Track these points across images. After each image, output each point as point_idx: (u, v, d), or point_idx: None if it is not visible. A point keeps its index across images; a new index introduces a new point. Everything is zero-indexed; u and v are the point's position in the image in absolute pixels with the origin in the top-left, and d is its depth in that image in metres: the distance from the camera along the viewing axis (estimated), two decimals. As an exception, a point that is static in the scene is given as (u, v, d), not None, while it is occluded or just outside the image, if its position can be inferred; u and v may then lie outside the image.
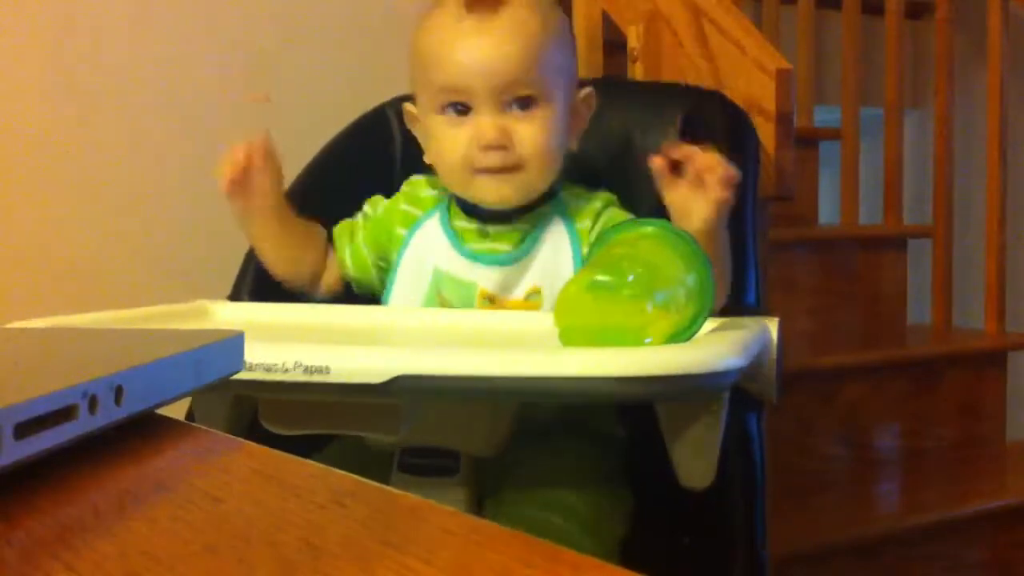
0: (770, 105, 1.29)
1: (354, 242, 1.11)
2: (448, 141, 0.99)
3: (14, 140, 1.55)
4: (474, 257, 1.03)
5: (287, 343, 0.73)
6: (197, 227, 1.65)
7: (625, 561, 0.95)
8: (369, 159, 1.27)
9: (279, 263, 1.12)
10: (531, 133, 0.97)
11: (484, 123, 0.97)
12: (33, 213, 1.57)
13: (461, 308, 1.03)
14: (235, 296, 1.15)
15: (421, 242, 1.06)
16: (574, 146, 1.05)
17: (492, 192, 0.99)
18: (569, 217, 1.04)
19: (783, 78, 1.29)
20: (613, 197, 1.07)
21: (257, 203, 1.05)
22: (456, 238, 1.04)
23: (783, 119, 1.29)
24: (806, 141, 1.99)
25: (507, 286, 1.02)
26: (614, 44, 1.59)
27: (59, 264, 1.58)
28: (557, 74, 1.00)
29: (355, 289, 1.13)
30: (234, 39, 1.71)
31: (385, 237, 1.09)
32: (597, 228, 1.04)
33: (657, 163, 0.94)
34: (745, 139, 1.18)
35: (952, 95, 2.11)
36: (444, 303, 1.04)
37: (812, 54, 2.17)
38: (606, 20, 1.59)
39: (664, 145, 0.97)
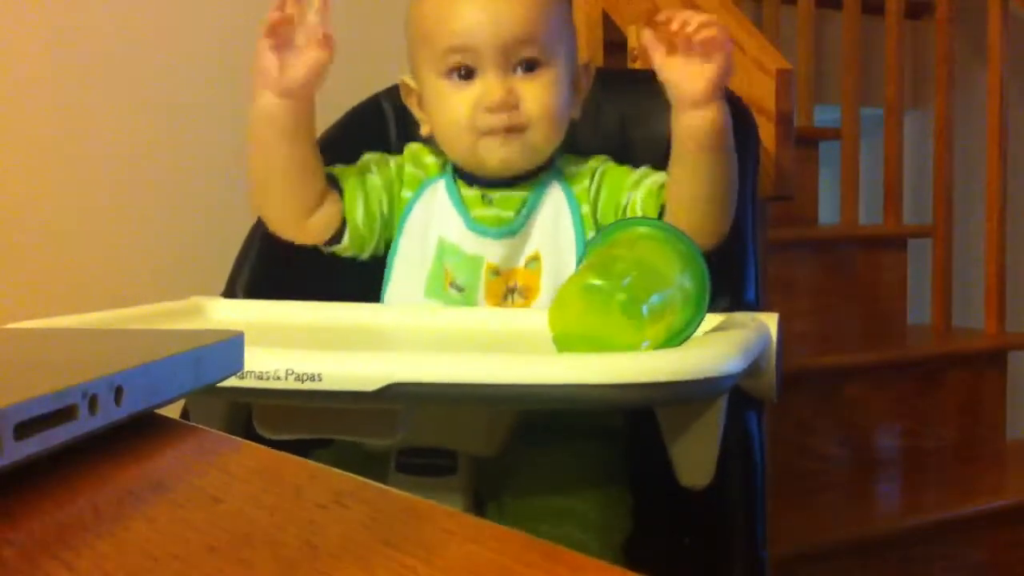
0: (770, 105, 1.29)
1: (368, 190, 1.05)
2: (453, 104, 0.99)
3: (12, 140, 1.55)
4: (478, 229, 1.02)
5: (279, 350, 0.72)
6: (192, 222, 1.65)
7: (625, 561, 0.95)
8: (364, 149, 1.27)
9: (273, 192, 1.02)
10: (537, 94, 0.98)
11: (491, 83, 0.97)
12: (31, 213, 1.57)
13: (467, 281, 1.02)
14: (229, 293, 1.15)
15: (425, 206, 1.05)
16: (576, 115, 1.05)
17: (496, 153, 0.99)
18: (566, 182, 1.04)
19: (783, 78, 1.29)
20: (607, 157, 1.07)
21: (289, 87, 0.95)
22: (461, 204, 1.03)
23: (783, 119, 1.29)
24: (806, 141, 1.99)
25: (510, 256, 1.02)
26: (614, 44, 1.59)
27: (59, 264, 1.58)
28: (561, 39, 1.01)
29: (346, 250, 1.06)
30: (232, 37, 1.70)
31: (395, 192, 1.07)
32: (595, 185, 1.04)
33: (647, 36, 0.93)
34: (746, 129, 1.18)
35: (952, 95, 2.11)
36: (449, 277, 1.03)
37: (812, 54, 2.17)
38: (606, 20, 1.59)
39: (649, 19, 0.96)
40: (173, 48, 1.66)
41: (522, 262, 1.02)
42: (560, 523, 0.92)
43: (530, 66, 0.98)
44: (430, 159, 1.08)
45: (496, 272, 1.02)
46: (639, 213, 1.01)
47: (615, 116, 1.21)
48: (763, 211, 1.27)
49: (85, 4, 1.59)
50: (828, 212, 2.21)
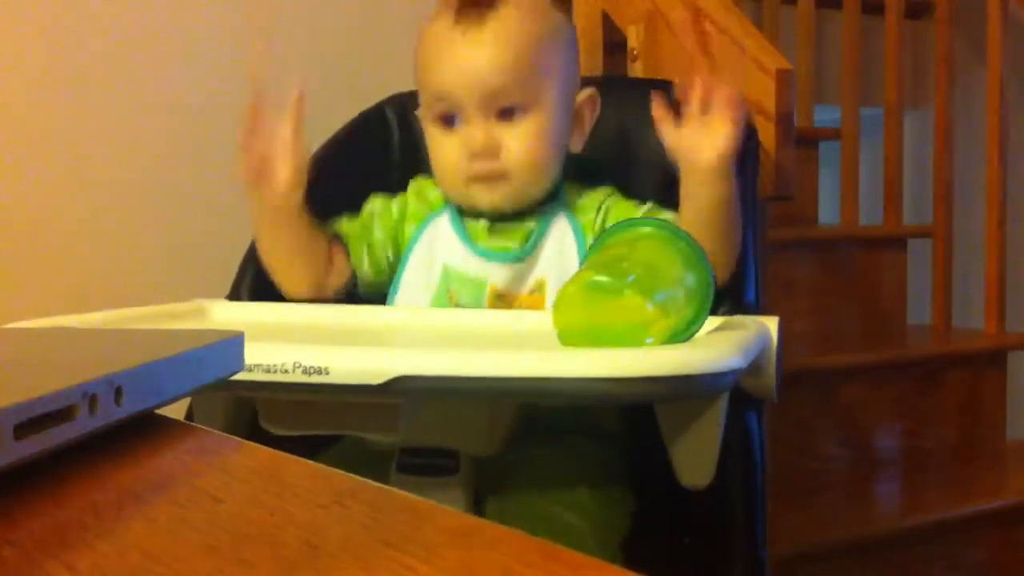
0: (770, 105, 1.29)
1: (372, 241, 1.08)
2: (443, 149, 1.01)
3: (13, 141, 1.55)
4: (484, 254, 1.03)
5: (286, 343, 0.73)
6: (196, 225, 1.65)
7: (625, 561, 0.95)
8: (367, 157, 1.27)
9: (285, 271, 1.06)
10: (519, 141, 0.98)
11: (472, 132, 0.98)
12: (33, 213, 1.57)
13: (471, 304, 1.03)
14: (233, 295, 1.15)
15: (430, 239, 1.06)
16: (577, 148, 1.05)
17: (484, 199, 1.01)
18: (572, 213, 1.04)
19: (783, 78, 1.29)
20: (613, 188, 1.07)
21: (275, 200, 0.99)
22: (466, 235, 1.05)
23: (783, 119, 1.29)
24: (806, 141, 1.99)
25: (515, 282, 1.02)
26: (614, 44, 1.59)
27: (60, 264, 1.58)
28: (549, 79, 1.00)
29: (362, 290, 1.10)
30: (234, 37, 1.71)
31: (400, 232, 1.08)
32: (600, 218, 1.04)
33: (658, 109, 0.93)
34: (746, 129, 1.18)
35: (952, 95, 2.11)
36: (453, 299, 1.04)
37: (812, 54, 2.17)
38: (606, 20, 1.59)
39: (657, 97, 0.95)
40: (177, 49, 1.66)
41: (527, 289, 1.03)
42: (559, 522, 0.92)
43: (512, 112, 0.98)
44: (434, 194, 1.09)
45: (500, 296, 1.02)
46: None
47: (615, 123, 1.21)
48: (763, 211, 1.27)
49: (85, 5, 1.59)
50: (828, 212, 2.21)
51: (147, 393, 0.38)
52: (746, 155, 1.13)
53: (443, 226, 1.06)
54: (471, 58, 0.97)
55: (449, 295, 1.04)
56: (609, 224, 1.03)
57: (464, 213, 1.06)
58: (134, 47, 1.63)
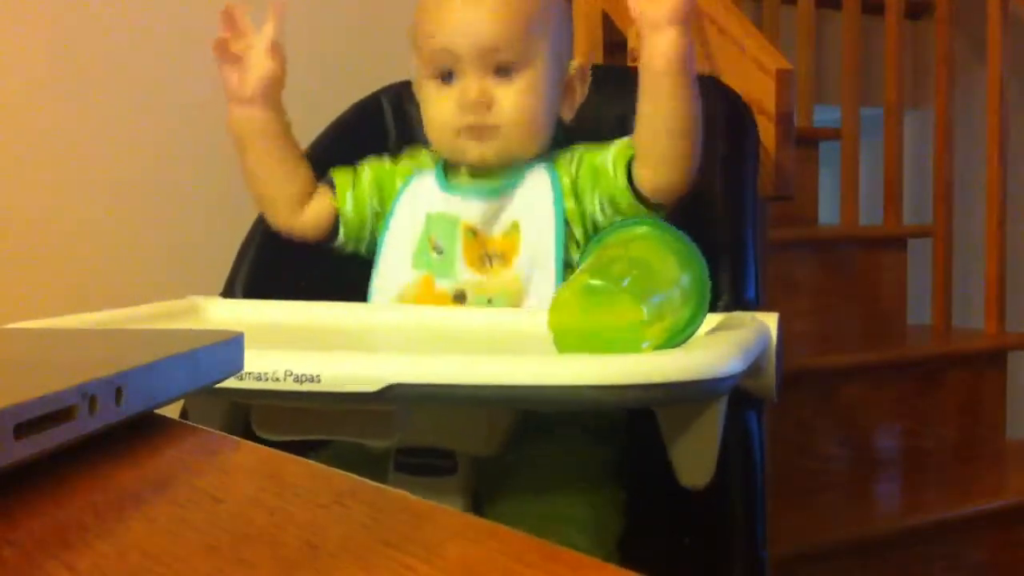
0: (770, 105, 1.29)
1: (358, 182, 1.12)
2: (437, 103, 1.06)
3: (12, 141, 1.55)
4: (459, 192, 1.07)
5: (278, 351, 0.73)
6: (193, 224, 1.65)
7: (625, 561, 0.95)
8: (363, 147, 1.28)
9: (265, 184, 1.11)
10: (512, 97, 1.03)
11: (468, 85, 1.03)
12: (31, 213, 1.57)
13: (445, 243, 1.06)
14: (228, 292, 1.15)
15: (415, 191, 1.10)
16: (567, 116, 1.09)
17: (474, 151, 1.05)
18: (554, 169, 1.07)
19: (783, 78, 1.29)
20: (581, 144, 1.10)
21: (252, 84, 1.06)
22: (446, 182, 1.09)
23: (783, 119, 1.29)
24: (806, 141, 1.99)
25: (489, 220, 1.06)
26: (614, 44, 1.59)
27: (58, 264, 1.58)
28: (543, 43, 1.05)
29: (342, 241, 1.13)
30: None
31: (388, 185, 1.12)
32: (575, 167, 1.07)
33: None
34: (745, 124, 1.18)
35: (952, 95, 2.11)
36: (432, 242, 1.06)
37: (812, 54, 2.17)
38: (606, 20, 1.59)
39: None
40: (172, 49, 1.66)
41: (500, 229, 1.05)
42: (556, 523, 0.92)
43: (507, 70, 1.03)
44: (425, 156, 1.13)
45: (473, 232, 1.05)
46: (610, 168, 1.04)
47: (615, 115, 1.21)
48: (763, 211, 1.27)
49: (85, 6, 1.59)
50: (828, 212, 2.21)
51: (147, 393, 0.38)
52: (746, 155, 1.14)
53: (428, 180, 1.10)
54: (469, 15, 1.03)
55: (429, 240, 1.07)
56: (583, 172, 1.06)
57: (450, 168, 1.10)
58: (134, 47, 1.63)
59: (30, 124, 1.56)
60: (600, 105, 1.14)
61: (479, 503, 0.94)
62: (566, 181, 1.05)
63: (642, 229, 0.85)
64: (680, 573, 1.00)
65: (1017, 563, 1.77)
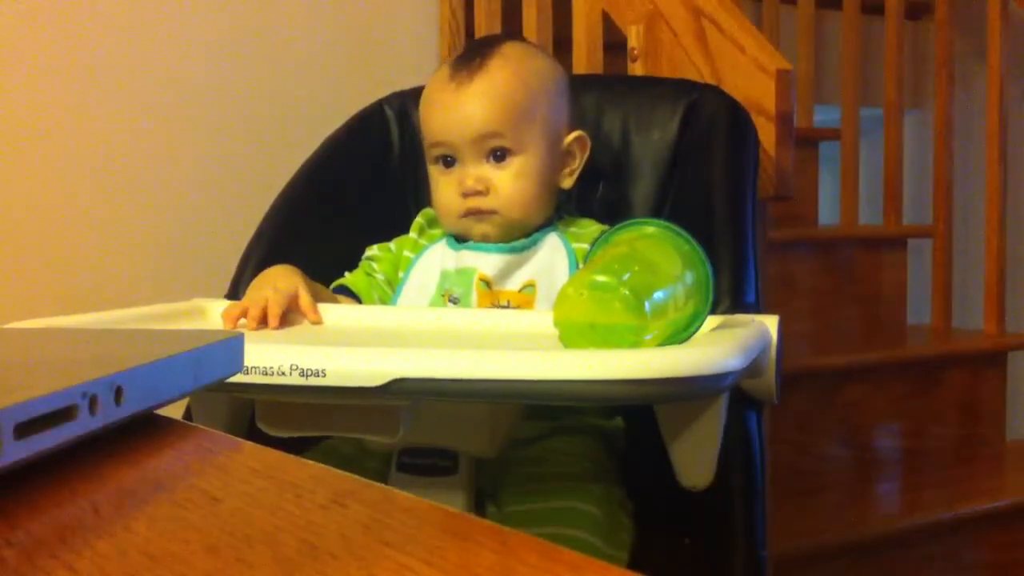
0: (770, 105, 1.29)
1: (375, 283, 1.12)
2: (440, 188, 1.11)
3: (13, 141, 1.55)
4: (475, 248, 1.09)
5: (283, 345, 0.73)
6: (195, 224, 1.65)
7: (625, 561, 0.95)
8: (367, 155, 1.28)
9: None
10: (507, 182, 1.08)
11: (465, 172, 1.08)
12: (33, 214, 1.57)
13: (461, 294, 1.06)
14: (232, 294, 1.15)
15: (428, 258, 1.13)
16: (567, 185, 1.12)
17: (476, 230, 1.09)
18: (567, 237, 1.10)
19: (783, 78, 1.29)
20: (594, 223, 1.12)
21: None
22: (457, 244, 1.11)
23: (783, 119, 1.29)
24: (806, 141, 1.99)
25: (504, 274, 1.07)
26: (614, 44, 1.59)
27: (60, 264, 1.58)
28: (536, 126, 1.09)
29: None
30: (234, 42, 1.71)
31: (398, 260, 1.15)
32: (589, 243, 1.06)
33: None
34: (746, 132, 1.18)
35: (952, 95, 2.11)
36: (447, 296, 1.07)
37: (812, 54, 2.17)
38: (606, 20, 1.59)
39: None
40: (177, 52, 1.66)
41: (515, 285, 1.07)
42: (563, 524, 0.92)
43: (501, 155, 1.08)
44: (437, 227, 1.16)
45: (488, 284, 1.06)
46: None
47: (616, 121, 1.22)
48: (763, 211, 1.27)
49: (86, 7, 1.60)
50: (828, 212, 2.21)
51: (147, 393, 0.38)
52: (746, 164, 1.14)
53: (440, 245, 1.13)
54: (460, 108, 1.08)
55: (444, 294, 1.08)
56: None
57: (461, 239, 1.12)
58: (134, 47, 1.63)
59: (33, 125, 1.56)
60: (602, 109, 1.14)
61: (480, 503, 0.94)
62: (579, 247, 1.08)
63: (650, 228, 0.86)
64: (680, 573, 1.00)
65: (1017, 563, 1.77)
